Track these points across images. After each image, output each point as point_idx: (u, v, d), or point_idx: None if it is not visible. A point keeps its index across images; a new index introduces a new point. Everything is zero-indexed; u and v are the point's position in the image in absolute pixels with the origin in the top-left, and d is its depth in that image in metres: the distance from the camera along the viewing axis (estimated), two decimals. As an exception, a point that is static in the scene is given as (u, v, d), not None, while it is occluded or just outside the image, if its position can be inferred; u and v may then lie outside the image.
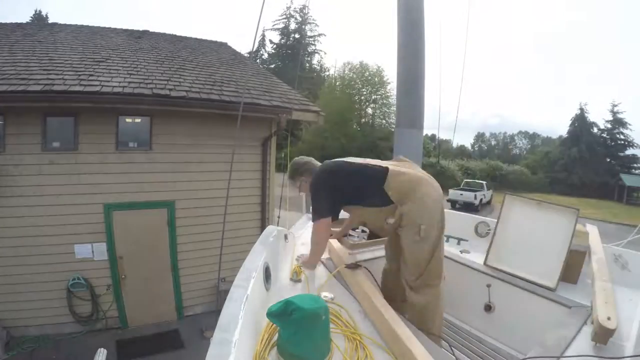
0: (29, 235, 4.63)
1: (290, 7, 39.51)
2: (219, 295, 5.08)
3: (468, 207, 17.39)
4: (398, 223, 1.59)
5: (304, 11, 38.80)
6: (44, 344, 4.64)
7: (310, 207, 1.76)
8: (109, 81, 4.86)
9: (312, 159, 1.97)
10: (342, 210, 1.83)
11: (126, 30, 8.26)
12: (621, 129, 32.68)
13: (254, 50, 35.89)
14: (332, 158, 1.86)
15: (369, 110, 32.23)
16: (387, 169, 1.61)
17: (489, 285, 1.92)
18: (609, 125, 33.34)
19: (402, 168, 1.65)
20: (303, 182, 1.89)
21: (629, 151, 32.37)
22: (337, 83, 33.01)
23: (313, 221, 1.70)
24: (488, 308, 1.93)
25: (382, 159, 1.82)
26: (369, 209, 1.66)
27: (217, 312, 0.99)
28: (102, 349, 1.42)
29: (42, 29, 7.36)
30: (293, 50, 38.21)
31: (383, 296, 1.76)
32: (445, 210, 1.63)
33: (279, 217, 5.77)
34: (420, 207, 1.55)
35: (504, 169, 31.27)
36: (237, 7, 78.56)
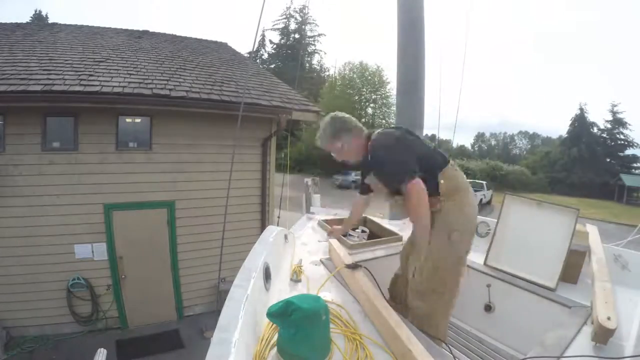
0: (29, 235, 4.64)
1: (290, 7, 39.60)
2: (219, 295, 5.08)
3: (468, 207, 17.36)
4: (433, 217, 1.47)
5: (304, 11, 38.84)
6: (44, 344, 4.64)
7: (387, 173, 1.53)
8: (109, 81, 4.85)
9: (352, 117, 1.71)
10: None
11: (126, 30, 8.26)
12: (621, 129, 32.73)
13: (254, 50, 35.90)
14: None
15: (369, 110, 32.24)
16: (447, 157, 1.55)
17: (489, 285, 1.92)
18: (608, 125, 33.40)
19: (456, 167, 1.58)
20: (346, 143, 1.62)
21: (629, 151, 32.45)
22: (338, 83, 33.02)
23: (403, 183, 1.40)
24: (488, 308, 1.93)
25: None
26: None
27: (217, 312, 0.98)
28: (102, 349, 1.42)
29: (42, 29, 7.36)
30: (293, 50, 38.27)
31: (390, 296, 1.77)
32: None
33: (279, 217, 5.77)
34: (460, 211, 1.47)
35: (504, 169, 31.27)
36: (237, 7, 78.62)
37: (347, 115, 1.70)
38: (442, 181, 1.47)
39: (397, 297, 1.75)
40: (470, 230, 1.51)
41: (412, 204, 1.42)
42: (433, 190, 1.45)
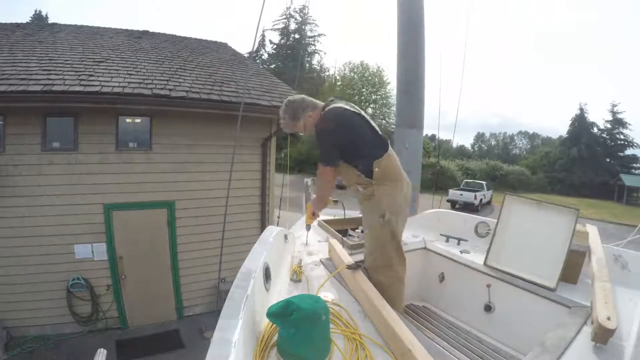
0: (29, 235, 4.64)
1: (290, 7, 39.52)
2: (219, 295, 5.09)
3: (468, 207, 17.38)
4: (367, 198, 1.69)
5: (304, 11, 38.78)
6: (44, 344, 4.64)
7: (319, 147, 1.75)
8: (108, 81, 4.86)
9: (304, 96, 1.91)
10: None
11: (126, 30, 8.26)
12: (621, 129, 32.70)
13: (254, 50, 35.88)
14: None
15: (369, 110, 32.21)
16: (387, 146, 1.73)
17: (489, 286, 1.92)
18: (608, 125, 33.36)
19: (396, 157, 1.78)
20: (308, 117, 1.79)
21: (629, 151, 32.40)
22: (338, 83, 32.99)
23: (321, 163, 1.72)
24: (488, 308, 1.93)
25: None
26: (349, 166, 1.71)
27: (217, 312, 0.98)
28: (102, 349, 1.42)
29: (42, 29, 7.36)
30: (293, 51, 38.17)
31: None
32: (445, 210, 1.66)
33: (278, 217, 5.77)
34: (390, 197, 1.67)
35: (504, 169, 31.24)
36: (237, 7, 78.68)
37: (298, 96, 1.86)
38: (376, 169, 1.65)
39: None
40: (401, 213, 1.72)
41: (318, 182, 1.81)
42: (367, 174, 1.67)
